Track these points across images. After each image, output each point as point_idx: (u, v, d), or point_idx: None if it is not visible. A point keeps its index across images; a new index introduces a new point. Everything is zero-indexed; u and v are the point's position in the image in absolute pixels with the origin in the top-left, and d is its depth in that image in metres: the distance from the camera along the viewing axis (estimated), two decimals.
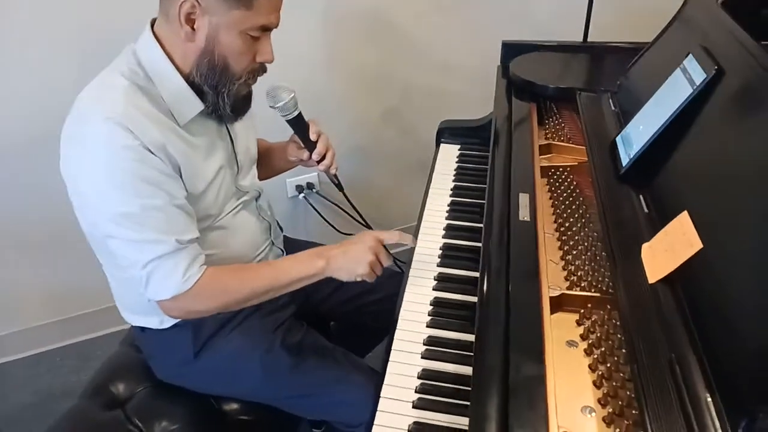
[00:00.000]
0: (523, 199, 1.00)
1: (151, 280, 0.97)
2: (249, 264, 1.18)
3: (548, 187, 1.15)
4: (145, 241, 0.95)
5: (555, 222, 1.05)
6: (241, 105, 1.07)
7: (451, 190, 1.41)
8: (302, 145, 1.22)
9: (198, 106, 1.03)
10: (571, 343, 0.82)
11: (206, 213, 1.08)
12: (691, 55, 1.00)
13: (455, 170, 1.50)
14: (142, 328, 1.18)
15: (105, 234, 0.97)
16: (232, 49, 0.98)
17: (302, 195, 2.12)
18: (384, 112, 2.14)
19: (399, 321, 1.05)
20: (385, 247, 1.07)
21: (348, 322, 1.45)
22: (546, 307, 0.81)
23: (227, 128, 1.13)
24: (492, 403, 0.68)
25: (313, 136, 1.19)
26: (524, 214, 0.96)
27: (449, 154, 1.58)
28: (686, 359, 0.66)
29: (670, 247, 0.80)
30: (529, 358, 0.73)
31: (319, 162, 1.21)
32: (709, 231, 0.75)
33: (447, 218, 1.32)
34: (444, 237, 1.25)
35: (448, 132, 1.64)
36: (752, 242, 0.69)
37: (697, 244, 0.75)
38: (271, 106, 1.14)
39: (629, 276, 0.80)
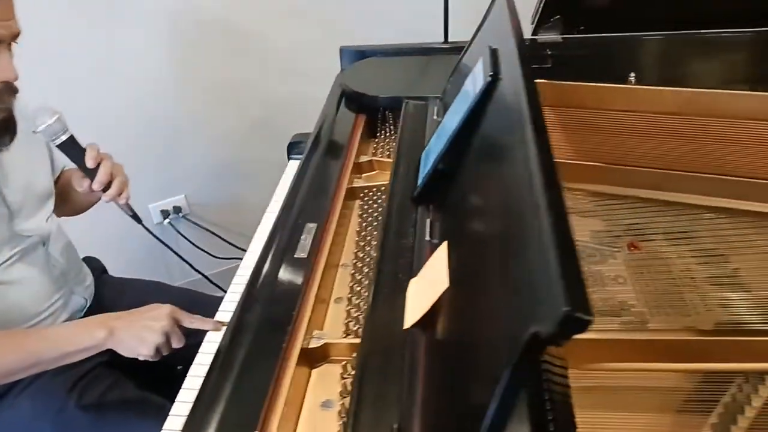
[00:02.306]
0: (309, 230, 0.89)
1: None
2: (13, 331, 1.03)
3: (360, 211, 1.05)
4: None
5: (355, 251, 0.95)
6: None
7: None
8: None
9: None
10: (326, 405, 0.71)
11: None
12: (481, 58, 0.91)
13: None
14: None
15: None
16: None
17: (167, 221, 1.97)
18: (249, 125, 2.01)
19: (186, 379, 0.92)
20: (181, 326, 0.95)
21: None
22: (290, 366, 0.70)
23: None
24: None
25: (90, 163, 1.02)
26: (303, 250, 0.85)
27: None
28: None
29: (429, 286, 0.70)
30: None
31: (104, 192, 1.07)
32: (459, 267, 0.65)
33: None
34: None
35: (297, 147, 1.53)
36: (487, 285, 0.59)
37: (444, 283, 0.65)
38: (33, 132, 1.00)
39: (384, 319, 0.70)
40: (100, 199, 1.18)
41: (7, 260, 1.01)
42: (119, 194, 1.05)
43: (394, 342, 0.67)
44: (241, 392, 0.65)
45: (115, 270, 1.42)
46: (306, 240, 0.87)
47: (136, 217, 1.12)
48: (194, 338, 1.02)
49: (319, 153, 1.12)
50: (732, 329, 0.80)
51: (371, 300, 0.73)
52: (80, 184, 1.11)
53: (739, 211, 0.98)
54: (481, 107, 0.82)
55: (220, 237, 2.02)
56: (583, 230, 1.00)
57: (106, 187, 1.04)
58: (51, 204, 1.11)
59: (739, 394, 0.69)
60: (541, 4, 1.32)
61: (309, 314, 0.76)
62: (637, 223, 1.01)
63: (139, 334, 0.93)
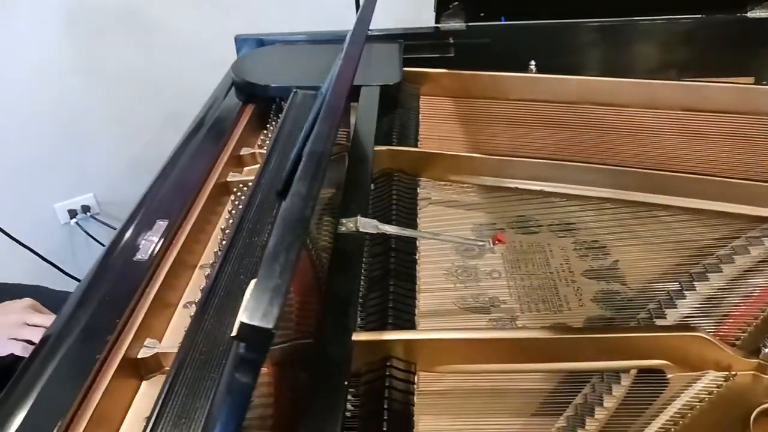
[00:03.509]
0: (159, 228, 0.82)
1: None
2: None
3: (231, 207, 0.98)
4: None
5: (216, 251, 0.88)
6: None
7: None
8: None
9: None
10: None
11: None
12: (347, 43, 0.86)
13: None
14: None
15: None
16: None
17: (75, 221, 1.87)
18: (162, 118, 1.91)
19: None
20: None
21: None
22: (105, 378, 0.63)
23: None
24: None
25: None
26: (145, 251, 0.78)
27: None
28: None
29: None
30: None
31: None
32: None
33: None
34: None
35: None
36: None
37: None
38: None
39: (213, 324, 0.64)
40: None
41: None
42: None
43: (216, 351, 0.61)
44: (40, 407, 0.58)
45: (23, 276, 1.32)
46: (151, 239, 0.80)
47: None
48: None
49: (193, 145, 1.05)
50: (596, 326, 0.76)
51: (200, 304, 0.67)
52: None
53: (623, 202, 0.95)
54: None
55: None
56: (466, 224, 0.96)
57: None
58: None
59: (592, 394, 0.65)
60: None
61: (140, 321, 0.69)
62: (523, 216, 0.97)
63: None
